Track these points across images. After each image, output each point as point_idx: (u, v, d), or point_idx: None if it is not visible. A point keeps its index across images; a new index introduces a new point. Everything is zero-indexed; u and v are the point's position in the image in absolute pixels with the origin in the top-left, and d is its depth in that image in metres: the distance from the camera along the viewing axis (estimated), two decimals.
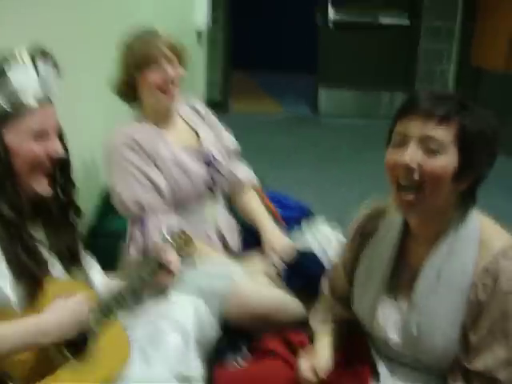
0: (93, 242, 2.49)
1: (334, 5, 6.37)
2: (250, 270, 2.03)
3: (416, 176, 1.29)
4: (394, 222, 1.47)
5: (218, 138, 2.28)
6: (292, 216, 3.16)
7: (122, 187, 2.03)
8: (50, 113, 1.40)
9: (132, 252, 2.05)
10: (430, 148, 1.27)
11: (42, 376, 1.34)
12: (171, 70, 2.08)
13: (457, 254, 1.35)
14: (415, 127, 1.29)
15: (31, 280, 1.37)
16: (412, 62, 6.43)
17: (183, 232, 1.83)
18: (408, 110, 1.32)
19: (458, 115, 1.28)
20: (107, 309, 1.48)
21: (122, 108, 2.23)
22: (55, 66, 1.40)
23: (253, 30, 9.34)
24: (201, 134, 2.22)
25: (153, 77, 2.06)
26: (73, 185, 1.53)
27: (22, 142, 1.35)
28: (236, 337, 1.91)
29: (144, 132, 2.10)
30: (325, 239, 2.16)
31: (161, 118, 2.16)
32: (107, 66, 2.16)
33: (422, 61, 6.42)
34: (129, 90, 2.12)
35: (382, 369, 1.48)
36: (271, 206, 2.41)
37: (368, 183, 4.24)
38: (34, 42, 1.39)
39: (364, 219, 1.57)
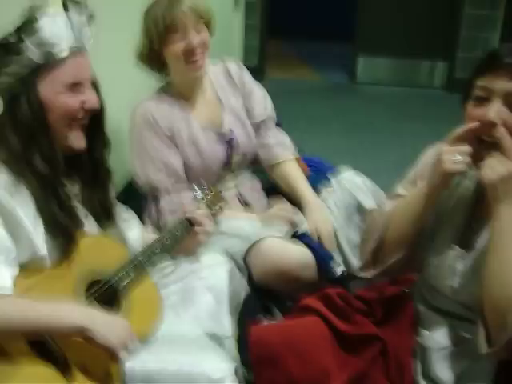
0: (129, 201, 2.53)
1: None
2: (271, 224, 2.02)
3: (496, 133, 1.27)
4: (469, 172, 1.43)
5: (249, 108, 2.21)
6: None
7: (138, 164, 2.04)
8: (84, 63, 1.38)
9: (147, 224, 2.05)
10: None
11: None
12: (196, 37, 1.97)
13: None
14: (500, 83, 1.28)
15: (65, 236, 1.37)
16: (454, 28, 6.25)
17: (213, 186, 1.84)
18: (491, 64, 1.31)
19: None
20: (138, 265, 1.49)
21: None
22: (88, 13, 1.37)
23: None
24: (226, 110, 2.16)
25: (177, 46, 1.97)
26: (106, 141, 1.52)
27: (56, 94, 1.33)
28: (266, 298, 1.92)
29: (165, 108, 2.07)
30: (352, 184, 2.13)
31: (187, 88, 2.11)
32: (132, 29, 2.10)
33: (465, 27, 6.23)
34: (154, 59, 2.05)
35: (431, 314, 1.49)
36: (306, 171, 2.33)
37: (402, 152, 4.18)
38: None
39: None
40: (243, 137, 2.16)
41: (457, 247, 1.45)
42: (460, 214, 1.46)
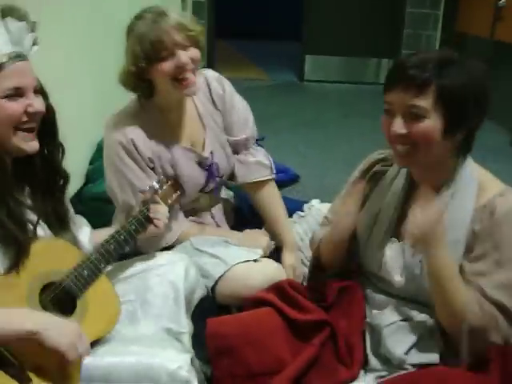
0: (81, 205, 2.53)
1: None
2: (246, 241, 2.04)
3: (407, 140, 1.40)
4: (399, 171, 1.58)
5: (228, 128, 2.11)
6: (278, 179, 3.21)
7: (115, 186, 1.94)
8: (25, 69, 1.36)
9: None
10: (414, 114, 1.38)
11: None
12: (184, 57, 1.84)
13: (458, 197, 1.45)
14: (398, 98, 1.40)
15: (15, 244, 1.34)
16: (398, 26, 6.41)
17: (170, 179, 1.84)
18: (391, 80, 1.43)
19: (436, 78, 1.36)
20: (92, 263, 1.48)
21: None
22: (27, 21, 1.35)
23: None
24: (207, 129, 2.06)
25: (165, 64, 1.83)
26: (59, 146, 1.50)
27: None
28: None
29: (144, 129, 1.94)
30: (320, 213, 2.14)
31: (172, 107, 1.98)
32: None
33: (408, 26, 6.40)
34: (139, 82, 1.89)
35: (381, 297, 1.58)
36: None
37: (351, 148, 4.29)
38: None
39: (373, 164, 1.66)
40: (223, 159, 2.09)
41: (394, 239, 1.56)
42: (394, 208, 1.56)
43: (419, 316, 1.50)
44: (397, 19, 6.38)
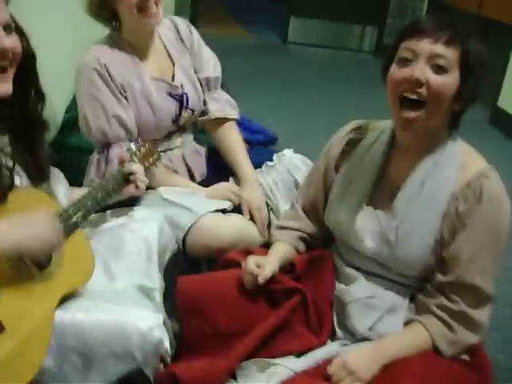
0: (56, 156, 2.49)
1: None
2: (214, 197, 2.04)
3: (424, 91, 1.37)
4: (378, 137, 1.57)
5: (198, 66, 2.18)
6: (256, 139, 3.20)
7: (88, 113, 1.96)
8: None
9: (92, 176, 2.01)
10: (438, 65, 1.37)
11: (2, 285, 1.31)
12: None
13: (441, 169, 1.45)
14: (425, 45, 1.37)
15: None
16: None
17: (147, 143, 1.84)
18: (416, 30, 1.40)
19: (462, 39, 1.38)
20: (68, 217, 1.46)
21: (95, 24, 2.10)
22: None
23: None
24: (176, 65, 2.12)
25: None
26: (40, 93, 1.47)
27: None
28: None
29: (116, 58, 1.99)
30: (291, 162, 2.18)
31: (139, 39, 2.03)
32: None
33: None
34: (104, 10, 1.94)
35: (350, 271, 1.59)
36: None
37: (330, 111, 4.29)
38: None
39: (349, 132, 1.65)
40: (193, 92, 2.13)
41: (366, 206, 1.55)
42: (369, 174, 1.56)
43: (385, 293, 1.52)
44: None
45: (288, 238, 1.71)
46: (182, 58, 2.14)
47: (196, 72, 2.18)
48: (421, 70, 1.36)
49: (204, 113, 2.22)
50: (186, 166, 2.18)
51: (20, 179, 1.44)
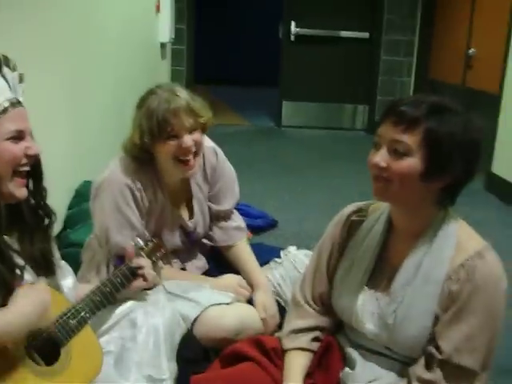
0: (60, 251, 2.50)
1: (296, 19, 6.46)
2: (220, 288, 2.05)
3: (385, 174, 1.40)
4: (378, 219, 1.58)
5: (213, 198, 2.17)
6: (256, 225, 3.24)
7: (112, 225, 1.94)
8: (24, 114, 1.42)
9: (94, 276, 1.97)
10: (397, 150, 1.39)
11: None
12: (189, 140, 1.88)
13: (435, 251, 1.45)
14: (386, 131, 1.41)
15: (4, 288, 1.35)
16: (373, 74, 6.56)
17: (154, 238, 1.88)
18: (384, 114, 1.44)
19: (426, 119, 1.37)
20: (77, 312, 1.49)
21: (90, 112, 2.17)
22: (18, 72, 1.42)
23: (216, 45, 9.43)
24: (194, 200, 2.12)
25: (168, 146, 1.88)
26: (44, 188, 1.52)
27: (1, 142, 1.36)
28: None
29: (146, 182, 1.98)
30: (296, 259, 2.22)
31: (170, 179, 2.02)
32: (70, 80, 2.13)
33: (383, 73, 6.56)
34: (143, 152, 1.93)
35: (355, 354, 1.56)
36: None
37: (329, 191, 4.33)
38: None
39: (349, 215, 1.65)
40: (202, 228, 2.16)
41: (367, 288, 1.55)
42: (369, 256, 1.56)
43: (388, 375, 1.49)
44: (372, 66, 6.55)
45: (301, 343, 1.63)
46: (201, 191, 2.14)
47: (209, 200, 2.18)
48: (381, 157, 1.40)
49: (209, 236, 2.23)
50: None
51: (29, 275, 1.46)
